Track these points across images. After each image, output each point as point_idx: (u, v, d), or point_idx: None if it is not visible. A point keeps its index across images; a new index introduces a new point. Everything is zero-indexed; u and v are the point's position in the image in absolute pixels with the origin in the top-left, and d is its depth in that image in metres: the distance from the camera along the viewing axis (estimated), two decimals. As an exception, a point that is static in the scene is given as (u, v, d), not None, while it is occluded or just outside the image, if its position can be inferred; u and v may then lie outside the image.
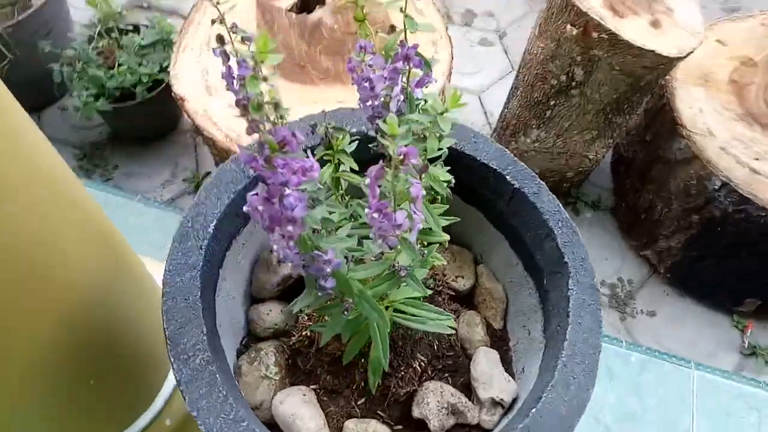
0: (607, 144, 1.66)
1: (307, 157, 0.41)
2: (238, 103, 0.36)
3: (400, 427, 0.79)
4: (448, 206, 0.65)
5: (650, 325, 1.65)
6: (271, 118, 0.37)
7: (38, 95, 1.96)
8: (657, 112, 1.68)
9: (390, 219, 0.42)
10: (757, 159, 1.48)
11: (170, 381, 1.02)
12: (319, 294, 0.46)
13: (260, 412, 0.77)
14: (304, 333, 0.79)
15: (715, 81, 1.66)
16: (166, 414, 1.02)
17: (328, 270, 0.43)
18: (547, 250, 0.69)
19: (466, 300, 0.87)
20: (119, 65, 1.75)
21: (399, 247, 0.50)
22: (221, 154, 1.45)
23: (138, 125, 1.90)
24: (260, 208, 0.40)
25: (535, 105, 1.61)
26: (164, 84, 1.81)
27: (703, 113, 1.58)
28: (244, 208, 0.44)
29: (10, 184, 0.53)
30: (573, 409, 0.58)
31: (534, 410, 0.58)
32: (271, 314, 0.84)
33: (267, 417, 0.77)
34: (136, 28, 1.88)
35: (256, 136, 0.38)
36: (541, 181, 0.71)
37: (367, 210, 0.44)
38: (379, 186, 0.42)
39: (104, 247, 0.80)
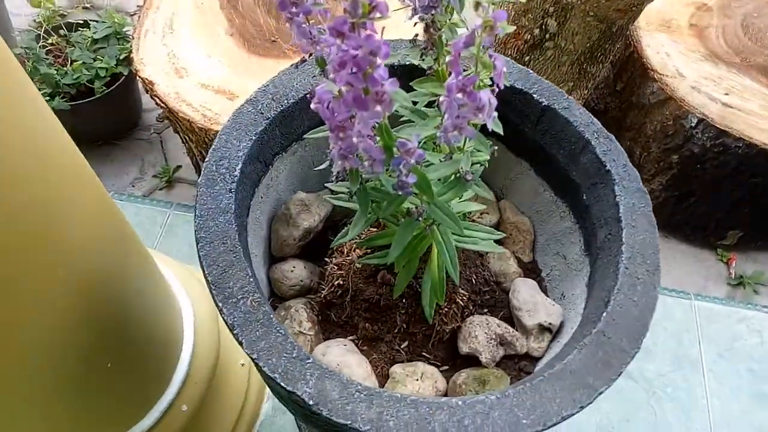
0: (582, 95, 1.68)
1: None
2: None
3: (446, 367, 0.76)
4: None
5: (641, 268, 1.68)
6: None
7: (-16, 100, 1.83)
8: (625, 62, 1.71)
9: (475, 98, 0.39)
10: (726, 94, 1.53)
11: (183, 364, 0.97)
12: (399, 193, 0.43)
13: (299, 371, 0.73)
14: (336, 282, 0.75)
15: (677, 26, 1.71)
16: (182, 399, 0.96)
17: (412, 161, 0.40)
18: (584, 163, 0.68)
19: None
20: (73, 61, 1.65)
21: (467, 145, 0.48)
22: (199, 137, 1.39)
23: (98, 123, 1.79)
24: (341, 90, 0.37)
25: (509, 63, 1.61)
26: (123, 77, 1.72)
27: (671, 57, 1.62)
28: (312, 105, 0.40)
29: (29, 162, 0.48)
30: (644, 308, 0.57)
31: (605, 314, 0.56)
32: (296, 271, 0.80)
33: (306, 376, 0.73)
34: (86, 24, 1.78)
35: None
36: (569, 97, 0.70)
37: (444, 96, 0.41)
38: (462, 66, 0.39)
39: (111, 221, 0.74)
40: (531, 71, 0.71)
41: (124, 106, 1.82)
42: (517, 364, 0.75)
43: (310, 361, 0.52)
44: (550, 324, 0.72)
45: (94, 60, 1.65)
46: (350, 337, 0.76)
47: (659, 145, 1.61)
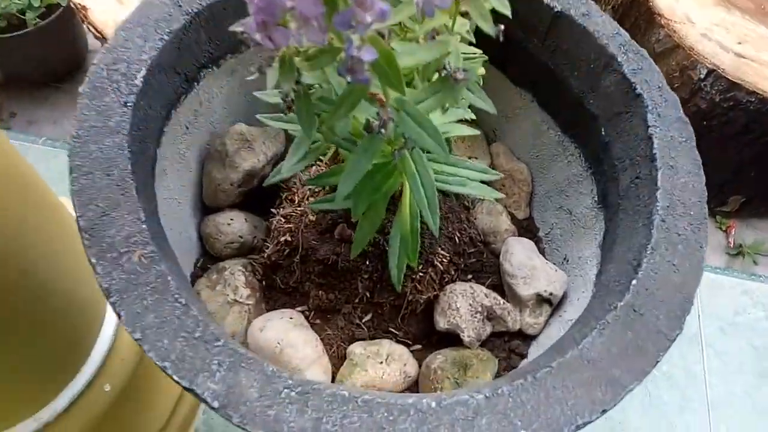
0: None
1: None
2: None
3: (418, 346, 0.61)
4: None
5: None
6: None
7: None
8: (629, 6, 1.54)
9: None
10: (740, 43, 1.38)
11: (106, 335, 0.80)
12: (348, 80, 0.26)
13: (233, 349, 0.58)
14: (282, 239, 0.59)
15: (687, -32, 1.54)
16: (104, 378, 0.80)
17: (368, 19, 0.24)
18: (605, 87, 0.52)
19: (481, 186, 0.70)
20: (1, -14, 1.43)
21: (457, 25, 0.31)
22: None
23: (34, 62, 1.58)
24: None
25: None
26: (61, 9, 1.51)
27: (680, 2, 1.45)
28: None
29: None
30: (688, 273, 0.42)
31: (635, 282, 0.41)
32: (234, 224, 0.63)
33: (243, 354, 0.57)
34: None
35: None
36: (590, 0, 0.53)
37: None
38: None
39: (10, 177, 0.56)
40: (539, -32, 0.54)
41: (64, 43, 1.60)
42: (507, 344, 0.60)
43: (219, 343, 0.37)
44: (550, 294, 0.57)
45: (26, -14, 1.44)
46: (299, 308, 0.60)
47: (662, 100, 1.46)
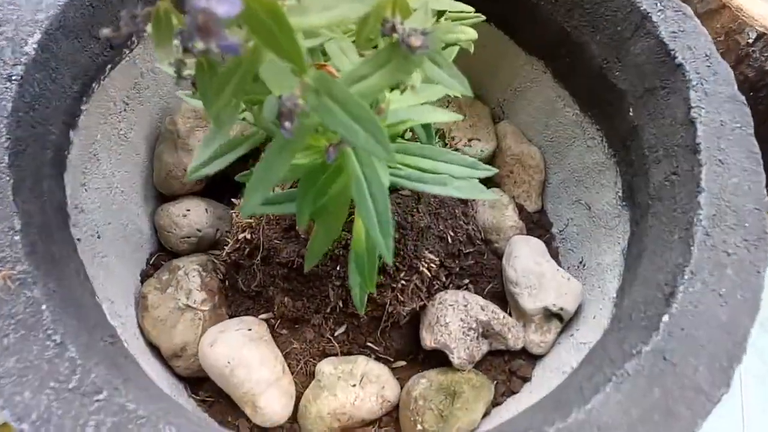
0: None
1: None
2: None
3: (402, 363, 0.52)
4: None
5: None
6: None
7: None
8: (668, -39, 1.38)
9: None
10: (796, 3, 1.21)
11: None
12: (199, 47, 0.17)
13: (183, 361, 0.49)
14: (241, 236, 0.50)
15: None
16: None
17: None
18: (635, 54, 0.41)
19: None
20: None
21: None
22: None
23: None
24: None
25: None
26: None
27: (728, -46, 1.29)
28: None
29: None
30: (740, 308, 0.31)
31: (666, 318, 0.31)
32: (190, 216, 0.54)
33: (195, 367, 0.49)
34: None
35: None
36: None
37: None
38: None
39: None
40: None
41: None
42: (507, 364, 0.50)
43: (101, 397, 0.28)
44: (560, 309, 0.47)
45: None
46: (264, 315, 0.52)
47: (703, 67, 1.31)
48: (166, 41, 0.22)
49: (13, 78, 0.34)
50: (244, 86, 0.21)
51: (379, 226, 0.25)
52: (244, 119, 0.30)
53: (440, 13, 0.38)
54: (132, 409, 0.28)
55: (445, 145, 0.54)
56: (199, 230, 0.54)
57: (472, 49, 0.37)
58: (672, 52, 0.38)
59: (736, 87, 0.37)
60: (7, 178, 0.31)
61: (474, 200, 0.56)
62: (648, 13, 0.39)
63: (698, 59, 0.38)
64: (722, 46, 1.27)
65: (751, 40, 1.20)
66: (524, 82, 0.54)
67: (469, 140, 0.57)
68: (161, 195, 0.56)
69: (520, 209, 0.58)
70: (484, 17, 0.34)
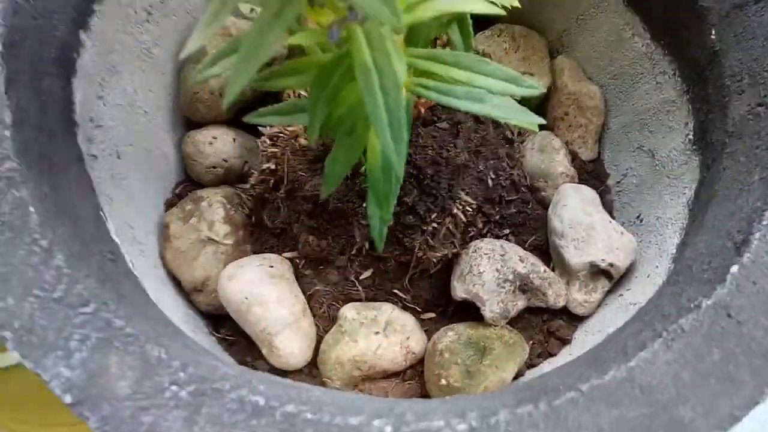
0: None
1: None
2: None
3: (431, 315, 0.48)
4: None
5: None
6: None
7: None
8: None
9: None
10: None
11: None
12: None
13: (204, 296, 0.47)
14: (266, 166, 0.47)
15: None
16: None
17: None
18: (726, -39, 0.34)
19: (537, 114, 0.53)
20: None
21: None
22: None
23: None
24: None
25: None
26: None
27: None
28: None
29: None
30: (831, 263, 0.25)
31: (735, 269, 0.26)
32: (216, 144, 0.52)
33: (216, 303, 0.47)
34: None
35: None
36: None
37: None
38: None
39: None
40: None
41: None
42: (546, 324, 0.46)
43: (87, 309, 0.26)
44: (610, 265, 0.41)
45: None
46: (288, 254, 0.49)
47: None
48: None
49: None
50: None
51: (389, 125, 0.21)
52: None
53: None
54: (119, 326, 0.26)
55: (469, 38, 0.49)
56: (225, 160, 0.52)
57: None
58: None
59: None
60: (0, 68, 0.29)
61: (521, 142, 0.51)
62: None
63: (806, -35, 0.31)
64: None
65: None
66: (589, 8, 0.48)
67: (522, 74, 0.51)
68: (188, 121, 0.54)
69: (574, 156, 0.52)
70: None
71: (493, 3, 0.31)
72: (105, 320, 0.26)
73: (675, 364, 0.24)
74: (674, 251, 0.37)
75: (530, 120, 0.31)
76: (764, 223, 0.27)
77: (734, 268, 0.26)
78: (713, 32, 0.36)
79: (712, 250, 0.29)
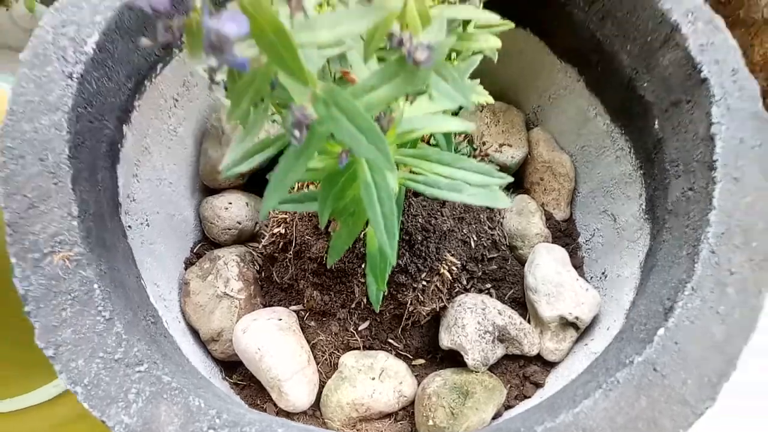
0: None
1: None
2: None
3: (421, 361, 0.54)
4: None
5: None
6: None
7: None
8: (740, -34, 1.32)
9: None
10: None
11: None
12: (211, 65, 0.19)
13: (219, 345, 0.53)
14: (276, 230, 0.53)
15: None
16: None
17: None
18: (664, 67, 0.41)
19: (515, 180, 0.60)
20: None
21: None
22: None
23: None
24: None
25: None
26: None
27: (804, -41, 1.22)
28: None
29: None
30: (735, 326, 0.31)
31: (662, 331, 0.32)
32: (232, 209, 0.58)
33: (230, 352, 0.53)
34: None
35: None
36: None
37: None
38: None
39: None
40: None
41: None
42: (522, 369, 0.51)
43: (141, 368, 0.31)
44: (576, 318, 0.47)
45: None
46: (295, 307, 0.55)
47: (767, 77, 1.26)
48: (197, 51, 0.24)
49: (74, 76, 0.38)
50: (260, 95, 0.24)
51: (385, 228, 0.28)
52: (274, 121, 0.32)
53: (466, 23, 0.40)
54: (167, 381, 0.32)
55: (474, 149, 0.56)
56: (239, 223, 0.58)
57: (496, 58, 0.38)
58: (698, 66, 0.38)
59: (761, 104, 0.37)
60: (67, 169, 0.35)
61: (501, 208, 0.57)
62: (678, 24, 0.40)
63: (724, 74, 0.38)
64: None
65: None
66: (559, 89, 0.55)
67: (500, 146, 0.58)
68: (206, 187, 0.60)
69: (549, 217, 0.58)
70: (512, 24, 0.36)
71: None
72: (156, 377, 0.32)
73: (611, 410, 0.30)
74: (627, 308, 0.43)
75: (500, 205, 0.37)
76: (686, 293, 0.33)
77: (661, 331, 0.32)
78: (656, 123, 0.42)
79: (648, 313, 0.35)
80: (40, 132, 0.36)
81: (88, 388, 0.31)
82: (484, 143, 0.58)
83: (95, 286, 0.33)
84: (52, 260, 0.33)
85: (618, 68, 0.45)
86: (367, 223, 0.39)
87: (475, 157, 0.56)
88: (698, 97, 0.38)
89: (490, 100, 0.42)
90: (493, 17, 0.34)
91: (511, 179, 0.38)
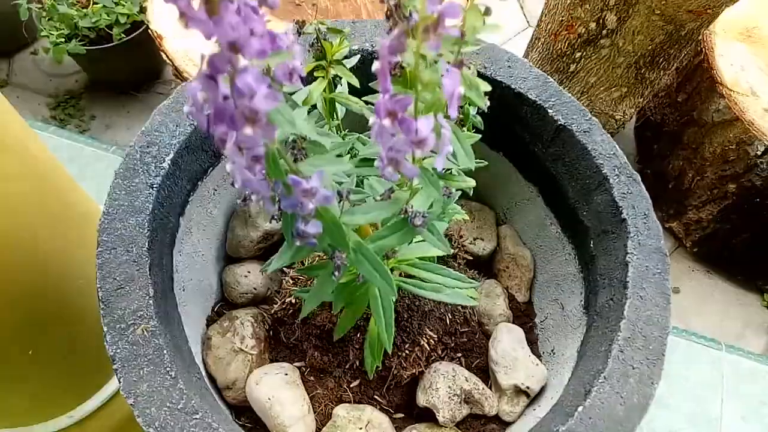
0: (636, 103, 1.50)
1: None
2: None
3: (401, 415, 0.65)
4: (479, 135, 0.50)
5: (674, 302, 1.52)
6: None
7: (6, 38, 1.79)
8: (693, 71, 1.52)
9: (409, 128, 0.27)
10: (805, 123, 1.33)
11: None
12: (298, 244, 0.32)
13: (233, 392, 0.64)
14: (287, 299, 0.65)
15: (760, 36, 1.49)
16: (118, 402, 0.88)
17: (311, 206, 0.29)
18: (597, 204, 0.55)
19: (486, 267, 0.73)
20: (94, 3, 1.57)
21: (415, 182, 0.36)
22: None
23: (117, 72, 1.73)
24: (201, 97, 0.25)
25: (558, 57, 1.44)
26: (144, 26, 1.64)
27: (746, 71, 1.41)
28: (185, 109, 0.29)
29: None
30: (633, 408, 0.44)
31: (581, 408, 0.44)
32: (250, 277, 0.70)
33: (241, 398, 0.63)
34: (116, -37, 1.69)
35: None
36: (593, 117, 0.56)
37: (373, 118, 0.28)
38: (394, 72, 0.27)
39: (44, 197, 0.64)
40: (550, 79, 0.57)
41: (144, 57, 1.74)
42: (483, 427, 0.63)
43: (197, 416, 0.42)
44: (527, 388, 0.60)
45: (116, 4, 1.57)
46: (297, 364, 0.66)
47: (716, 171, 1.43)
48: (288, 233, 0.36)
49: (154, 186, 0.50)
50: (306, 255, 0.36)
51: (385, 326, 0.40)
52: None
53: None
54: (215, 427, 0.43)
55: (451, 242, 0.68)
56: (255, 288, 0.70)
57: (471, 192, 0.51)
58: (620, 209, 0.52)
59: (662, 241, 0.50)
60: (146, 259, 0.47)
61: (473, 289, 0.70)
62: (607, 175, 0.53)
63: (638, 217, 0.51)
64: (733, 153, 1.40)
65: (759, 152, 1.32)
66: (523, 199, 0.68)
67: (475, 239, 0.71)
68: (228, 256, 0.72)
69: (512, 298, 0.71)
70: (474, 183, 0.48)
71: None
72: (207, 423, 0.43)
73: (541, 466, 0.42)
74: (565, 384, 0.55)
75: (468, 303, 0.50)
76: (600, 381, 0.45)
77: (580, 408, 0.44)
78: (592, 243, 0.56)
79: (575, 392, 0.47)
80: (128, 229, 0.48)
81: (158, 429, 0.42)
82: (461, 236, 0.70)
83: (164, 351, 0.44)
84: (135, 330, 0.45)
85: (566, 196, 0.59)
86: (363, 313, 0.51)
87: (452, 248, 0.68)
88: (619, 232, 0.52)
89: (466, 217, 0.55)
90: (471, 182, 0.47)
91: (477, 284, 0.50)
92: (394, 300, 0.39)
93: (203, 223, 0.64)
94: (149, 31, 1.31)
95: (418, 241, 0.45)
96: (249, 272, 0.70)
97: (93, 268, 0.69)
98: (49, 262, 0.62)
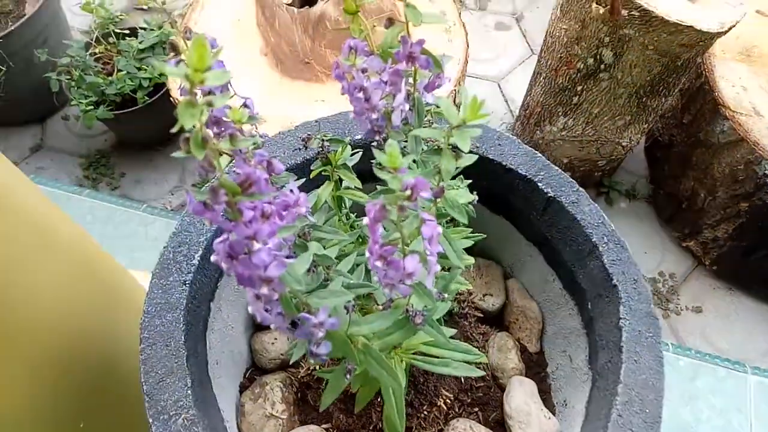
0: (642, 129, 1.53)
1: (289, 190, 0.32)
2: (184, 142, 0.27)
3: (424, 471, 0.69)
4: (470, 228, 0.55)
5: (697, 321, 1.53)
6: (228, 150, 0.28)
7: (39, 105, 1.90)
8: (695, 93, 1.54)
9: (398, 267, 0.32)
10: (811, 139, 1.34)
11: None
12: (312, 361, 0.37)
13: (266, 456, 0.69)
14: (312, 368, 0.70)
15: (759, 56, 1.52)
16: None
17: (320, 335, 0.34)
18: (590, 269, 0.59)
19: (496, 320, 0.77)
20: (118, 71, 1.67)
21: (412, 294, 0.41)
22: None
23: (142, 131, 1.82)
24: (225, 266, 0.31)
25: (561, 91, 1.49)
26: (165, 88, 1.73)
27: (748, 91, 1.44)
28: (212, 258, 0.34)
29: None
30: (633, 468, 0.48)
31: (585, 469, 0.48)
32: (276, 344, 0.75)
33: (273, 461, 0.68)
34: (134, 32, 1.80)
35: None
36: (580, 188, 0.60)
37: (368, 256, 0.34)
38: (384, 227, 0.32)
39: (84, 277, 0.71)
40: (538, 154, 0.62)
41: (166, 114, 1.82)
42: (502, 479, 0.67)
43: (233, 497, 0.47)
44: (541, 441, 0.63)
45: (138, 69, 1.67)
46: (325, 426, 0.71)
47: (727, 190, 1.45)
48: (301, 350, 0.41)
49: (186, 282, 0.56)
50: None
51: (397, 412, 0.44)
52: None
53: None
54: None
55: (461, 303, 0.73)
56: (282, 354, 0.75)
57: (471, 267, 0.56)
58: (611, 275, 0.56)
59: (652, 305, 0.54)
60: (183, 351, 0.52)
61: (486, 344, 0.74)
62: (597, 243, 0.58)
63: (628, 282, 0.55)
64: (742, 173, 1.42)
65: (767, 172, 1.33)
66: (526, 257, 0.73)
67: (484, 295, 0.75)
68: (256, 324, 0.78)
69: (523, 349, 0.75)
70: (473, 260, 0.53)
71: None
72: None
73: None
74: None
75: (473, 374, 0.54)
76: (613, 411, 0.49)
77: (584, 467, 0.48)
78: (589, 305, 0.60)
79: (592, 420, 0.51)
80: (165, 325, 0.54)
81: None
82: (470, 293, 0.75)
83: (204, 439, 0.50)
84: (177, 420, 0.50)
85: (562, 260, 0.63)
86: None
87: (462, 308, 0.73)
88: (612, 296, 0.56)
89: (470, 287, 0.59)
90: (470, 260, 0.52)
91: (482, 356, 0.55)
92: (405, 389, 0.44)
93: (231, 299, 0.70)
94: (170, 99, 1.39)
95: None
96: (276, 339, 0.75)
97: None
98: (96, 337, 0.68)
